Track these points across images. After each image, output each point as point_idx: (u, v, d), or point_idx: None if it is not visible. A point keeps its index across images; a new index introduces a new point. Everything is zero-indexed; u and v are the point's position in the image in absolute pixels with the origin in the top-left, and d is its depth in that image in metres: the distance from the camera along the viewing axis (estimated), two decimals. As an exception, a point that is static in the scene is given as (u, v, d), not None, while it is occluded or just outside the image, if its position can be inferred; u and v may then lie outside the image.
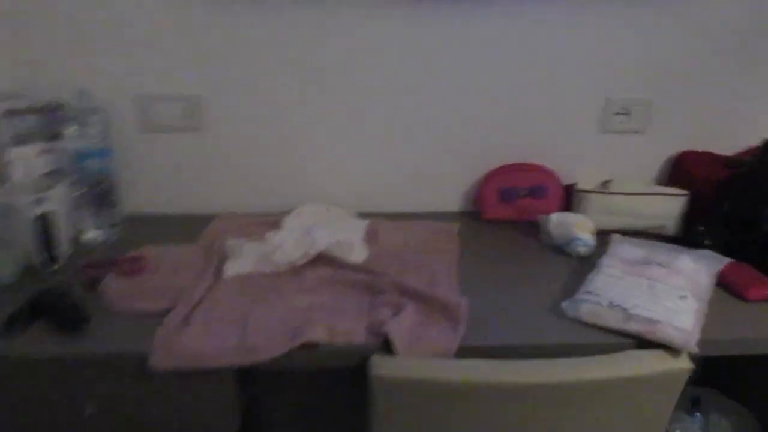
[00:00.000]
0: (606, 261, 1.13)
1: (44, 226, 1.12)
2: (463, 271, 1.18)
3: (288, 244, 1.17)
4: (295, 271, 1.16)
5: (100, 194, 1.25)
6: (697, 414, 1.39)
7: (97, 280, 1.10)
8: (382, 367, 0.92)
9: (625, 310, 0.97)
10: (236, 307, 1.05)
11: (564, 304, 1.04)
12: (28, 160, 1.19)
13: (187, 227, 1.35)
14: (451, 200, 1.47)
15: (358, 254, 1.20)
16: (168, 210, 1.43)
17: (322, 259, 1.18)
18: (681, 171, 1.39)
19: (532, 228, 1.35)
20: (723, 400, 1.42)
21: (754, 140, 1.39)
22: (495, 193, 1.38)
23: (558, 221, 1.27)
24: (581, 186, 1.35)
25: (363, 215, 1.39)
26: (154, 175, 1.40)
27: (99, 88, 1.27)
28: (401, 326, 0.97)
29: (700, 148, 1.41)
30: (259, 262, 1.17)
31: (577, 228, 1.23)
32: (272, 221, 1.36)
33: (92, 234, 1.27)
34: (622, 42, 1.32)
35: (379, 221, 1.36)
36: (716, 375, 0.92)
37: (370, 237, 1.30)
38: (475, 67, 1.32)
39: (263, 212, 1.42)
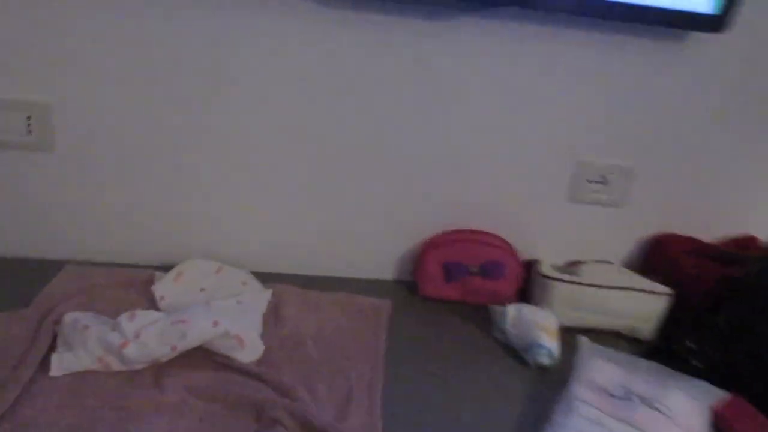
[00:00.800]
0: (577, 390, 0.86)
1: None
2: (390, 379, 0.88)
3: (149, 334, 0.83)
4: (156, 371, 0.83)
5: None
6: None
7: None
8: None
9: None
10: (53, 436, 0.71)
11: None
12: None
13: (20, 280, 0.98)
14: (383, 266, 1.17)
15: (250, 351, 0.87)
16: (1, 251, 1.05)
17: (197, 354, 0.85)
18: (661, 258, 1.14)
19: (482, 314, 1.06)
20: None
21: (747, 229, 1.17)
22: (438, 267, 1.08)
23: (516, 318, 0.99)
24: (545, 267, 1.08)
25: (268, 277, 1.07)
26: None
27: None
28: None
29: (683, 230, 1.17)
30: (104, 356, 0.82)
31: (540, 330, 0.96)
32: (141, 281, 1.01)
33: None
34: (602, 93, 1.05)
35: (287, 292, 1.04)
36: None
37: (273, 317, 0.98)
38: (417, 106, 1.02)
39: (132, 264, 1.07)
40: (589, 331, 1.03)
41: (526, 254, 1.14)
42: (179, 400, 0.78)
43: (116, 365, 0.82)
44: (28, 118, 0.95)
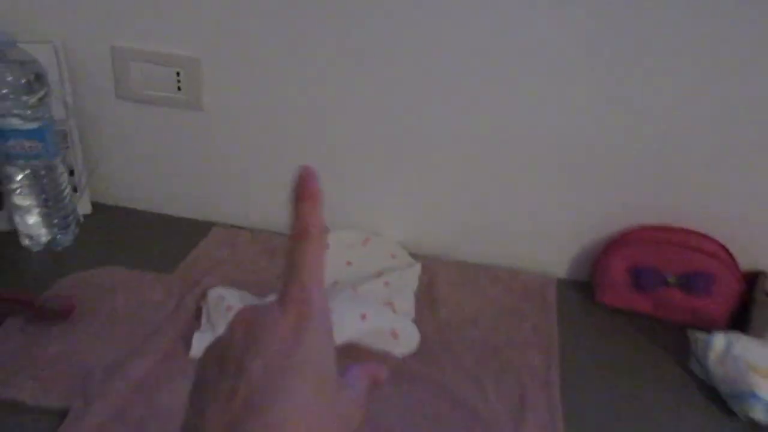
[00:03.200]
0: None
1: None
2: (565, 380, 0.77)
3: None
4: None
5: (39, 186, 0.86)
6: None
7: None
8: None
9: None
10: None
11: None
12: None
13: (166, 239, 0.96)
14: (551, 261, 0.99)
15: (405, 343, 0.77)
16: (150, 207, 1.03)
17: (345, 349, 0.75)
18: None
19: (677, 336, 0.87)
20: None
21: None
22: (624, 271, 0.90)
23: (724, 353, 0.78)
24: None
25: (416, 258, 0.96)
26: (133, 158, 0.99)
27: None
28: None
29: None
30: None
31: (758, 375, 0.75)
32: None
33: (35, 234, 0.89)
34: None
35: (440, 267, 0.95)
36: None
37: (426, 296, 0.88)
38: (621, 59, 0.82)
39: (278, 231, 1.00)
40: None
41: (747, 265, 0.90)
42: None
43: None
44: (178, 74, 0.89)
